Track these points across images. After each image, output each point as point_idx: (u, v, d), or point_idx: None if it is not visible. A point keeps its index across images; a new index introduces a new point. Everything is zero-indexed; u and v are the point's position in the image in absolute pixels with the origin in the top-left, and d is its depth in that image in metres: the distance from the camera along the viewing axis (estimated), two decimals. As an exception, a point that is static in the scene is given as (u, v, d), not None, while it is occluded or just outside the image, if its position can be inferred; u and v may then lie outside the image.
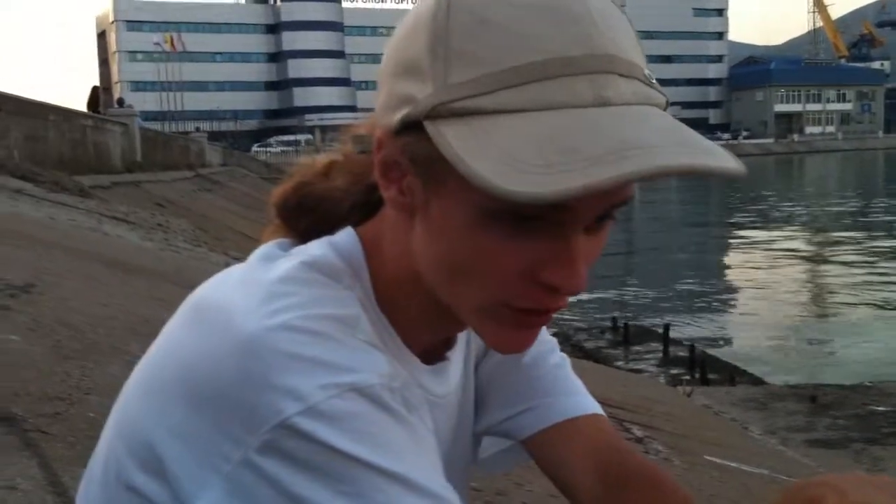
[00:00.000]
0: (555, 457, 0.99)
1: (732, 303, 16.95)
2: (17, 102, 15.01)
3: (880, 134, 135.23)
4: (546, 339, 1.02)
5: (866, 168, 76.85)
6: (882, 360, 11.38)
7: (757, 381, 9.72)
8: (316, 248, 0.79)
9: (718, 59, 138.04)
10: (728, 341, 13.27)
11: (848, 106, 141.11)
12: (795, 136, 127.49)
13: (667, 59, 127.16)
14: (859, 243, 24.07)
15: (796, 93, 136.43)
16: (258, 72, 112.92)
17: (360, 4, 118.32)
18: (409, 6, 0.76)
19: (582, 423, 0.99)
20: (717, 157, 0.64)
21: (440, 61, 0.68)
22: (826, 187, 51.83)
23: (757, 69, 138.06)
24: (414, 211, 0.74)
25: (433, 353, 0.87)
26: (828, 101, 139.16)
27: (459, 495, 0.69)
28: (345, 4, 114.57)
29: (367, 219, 0.83)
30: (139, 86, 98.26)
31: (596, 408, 1.02)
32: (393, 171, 0.74)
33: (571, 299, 0.74)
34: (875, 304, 15.62)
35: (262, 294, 0.72)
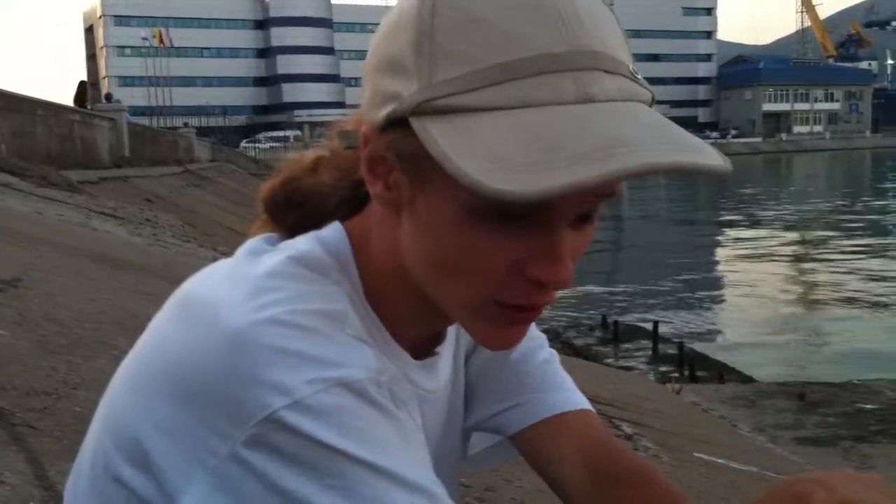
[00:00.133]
0: (544, 452, 0.99)
1: (722, 300, 17.02)
2: (4, 97, 14.92)
3: (868, 134, 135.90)
4: (535, 334, 1.02)
5: (854, 167, 77.21)
6: (871, 358, 11.43)
7: (746, 379, 9.76)
8: (303, 243, 0.78)
9: (707, 57, 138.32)
10: (717, 339, 13.33)
11: (836, 105, 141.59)
12: (784, 136, 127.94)
13: (656, 58, 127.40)
14: (847, 241, 24.21)
15: (784, 92, 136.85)
16: (247, 67, 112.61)
17: (349, 1, 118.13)
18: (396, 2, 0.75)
19: (571, 418, 0.99)
20: (704, 154, 0.64)
21: (425, 58, 0.68)
22: (814, 186, 52.04)
23: (745, 68, 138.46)
24: (400, 206, 0.74)
25: (423, 349, 0.87)
26: (816, 100, 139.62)
27: (448, 490, 0.69)
28: (334, 1, 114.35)
29: (355, 214, 0.82)
30: (127, 81, 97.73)
31: (585, 403, 1.02)
32: (379, 167, 0.74)
33: (562, 296, 0.74)
34: (863, 302, 15.70)
35: (249, 288, 0.72)
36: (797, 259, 21.98)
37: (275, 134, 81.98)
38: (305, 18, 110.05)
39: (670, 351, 10.69)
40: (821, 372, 10.63)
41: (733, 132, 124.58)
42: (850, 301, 15.82)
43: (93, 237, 7.81)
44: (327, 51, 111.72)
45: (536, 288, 0.71)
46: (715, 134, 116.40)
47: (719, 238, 27.41)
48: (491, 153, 0.63)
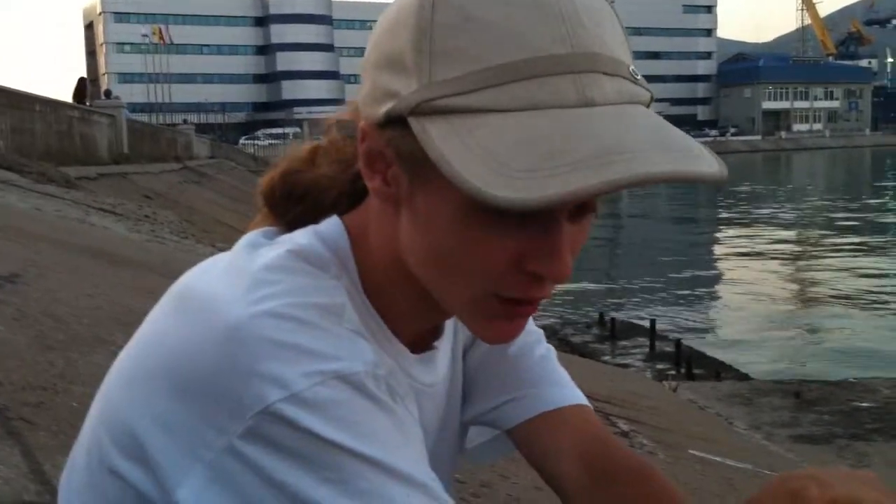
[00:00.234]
0: (541, 447, 0.99)
1: (719, 298, 17.01)
2: (4, 93, 14.92)
3: (867, 132, 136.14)
4: (532, 329, 1.02)
5: (853, 165, 77.24)
6: (867, 356, 11.45)
7: (742, 377, 9.78)
8: (302, 237, 0.78)
9: (707, 55, 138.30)
10: (714, 336, 13.33)
11: (835, 103, 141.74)
12: (783, 134, 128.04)
13: (655, 56, 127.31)
14: (845, 239, 24.21)
15: (784, 90, 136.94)
16: (246, 64, 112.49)
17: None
18: (396, -1, 0.74)
19: (568, 413, 0.99)
20: (700, 161, 0.64)
21: (425, 58, 0.67)
22: (813, 184, 52.07)
23: (745, 66, 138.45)
24: (399, 201, 0.74)
25: (421, 343, 0.87)
26: (815, 98, 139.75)
27: (445, 484, 0.69)
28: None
29: (353, 207, 0.82)
30: (126, 77, 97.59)
31: (582, 399, 1.02)
32: (377, 162, 0.74)
33: (559, 293, 0.75)
34: (860, 300, 15.71)
35: (247, 282, 0.71)
36: (794, 257, 21.99)
37: (274, 131, 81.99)
38: (305, 15, 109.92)
39: (667, 348, 10.70)
40: (817, 370, 10.65)
41: (733, 130, 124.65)
42: (847, 299, 15.83)
43: (91, 233, 7.80)
44: (327, 48, 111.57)
45: (535, 282, 0.72)
46: (714, 132, 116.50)
47: (717, 236, 27.41)
48: (490, 157, 0.63)
